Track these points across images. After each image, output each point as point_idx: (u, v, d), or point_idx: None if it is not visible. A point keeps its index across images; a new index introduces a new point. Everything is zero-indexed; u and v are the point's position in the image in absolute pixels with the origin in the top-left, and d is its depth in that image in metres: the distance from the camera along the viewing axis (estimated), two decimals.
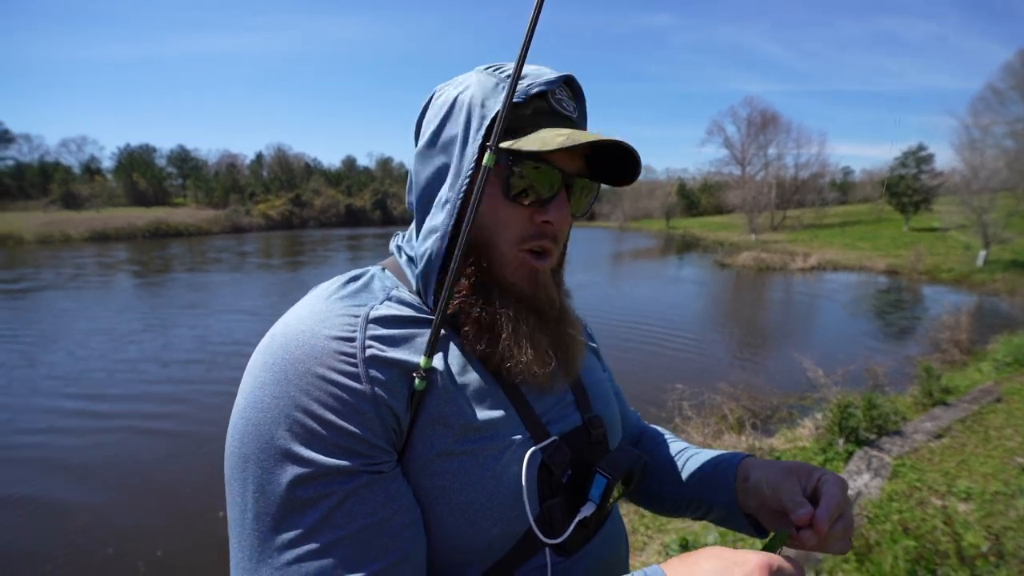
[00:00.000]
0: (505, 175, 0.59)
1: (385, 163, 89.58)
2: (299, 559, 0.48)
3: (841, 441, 4.76)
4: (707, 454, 0.83)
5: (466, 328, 0.60)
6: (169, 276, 21.80)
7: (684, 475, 0.82)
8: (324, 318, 0.54)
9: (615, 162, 0.64)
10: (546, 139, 0.56)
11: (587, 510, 0.61)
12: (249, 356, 0.56)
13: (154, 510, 4.82)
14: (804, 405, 6.47)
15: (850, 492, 3.98)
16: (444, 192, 0.60)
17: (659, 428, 0.96)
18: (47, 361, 9.37)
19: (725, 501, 0.75)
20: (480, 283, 0.60)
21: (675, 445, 0.89)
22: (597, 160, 0.65)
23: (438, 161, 0.61)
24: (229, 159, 79.17)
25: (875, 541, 3.18)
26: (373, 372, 0.52)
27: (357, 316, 0.55)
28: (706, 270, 23.99)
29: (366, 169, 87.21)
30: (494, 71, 0.61)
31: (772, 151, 47.28)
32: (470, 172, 0.58)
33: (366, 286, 0.61)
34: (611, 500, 0.62)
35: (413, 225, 0.67)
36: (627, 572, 0.58)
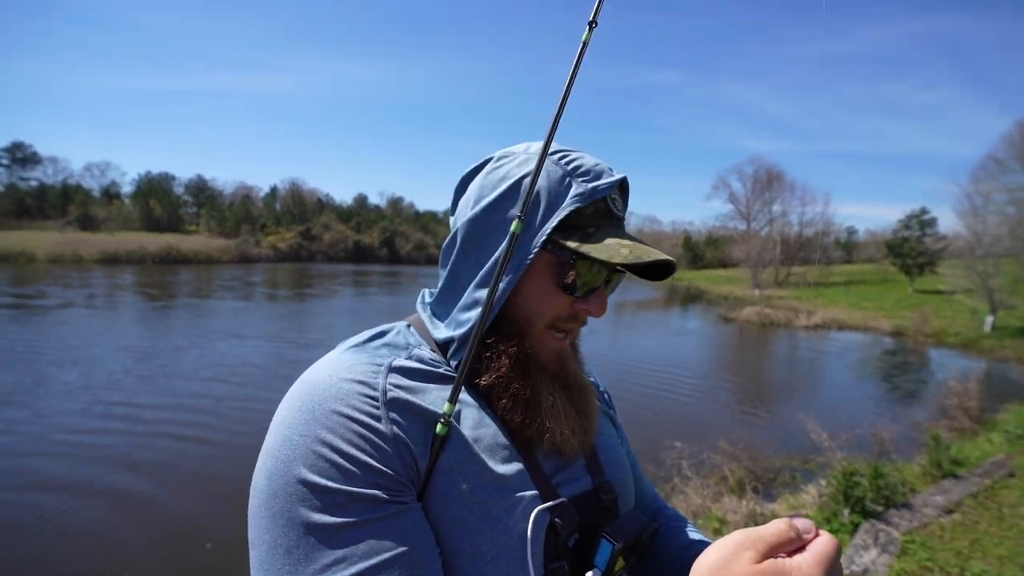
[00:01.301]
0: (562, 269, 0.63)
1: (395, 202, 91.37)
2: None
3: (846, 512, 4.54)
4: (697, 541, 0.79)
5: (503, 401, 0.62)
6: (182, 301, 21.88)
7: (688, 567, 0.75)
8: (349, 366, 0.58)
9: (653, 265, 0.68)
10: (612, 249, 0.61)
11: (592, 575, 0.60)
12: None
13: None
14: (807, 469, 6.25)
15: (856, 568, 3.76)
16: (490, 269, 0.63)
17: (679, 512, 0.89)
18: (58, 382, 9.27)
19: None
20: (517, 361, 0.63)
21: (692, 535, 0.82)
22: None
23: (492, 236, 0.64)
24: (244, 190, 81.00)
25: None
26: (394, 415, 0.55)
27: (380, 365, 0.59)
28: (709, 323, 23.85)
29: (376, 207, 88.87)
30: (560, 160, 0.64)
31: (777, 208, 47.98)
32: (529, 260, 0.61)
33: (390, 342, 0.64)
34: (617, 568, 0.60)
35: (442, 283, 0.69)
36: None
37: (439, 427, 0.56)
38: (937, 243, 32.23)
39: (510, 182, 0.64)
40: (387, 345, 0.63)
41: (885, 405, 10.56)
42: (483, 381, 0.63)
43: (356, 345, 0.62)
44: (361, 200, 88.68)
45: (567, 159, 0.64)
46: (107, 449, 6.70)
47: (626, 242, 0.62)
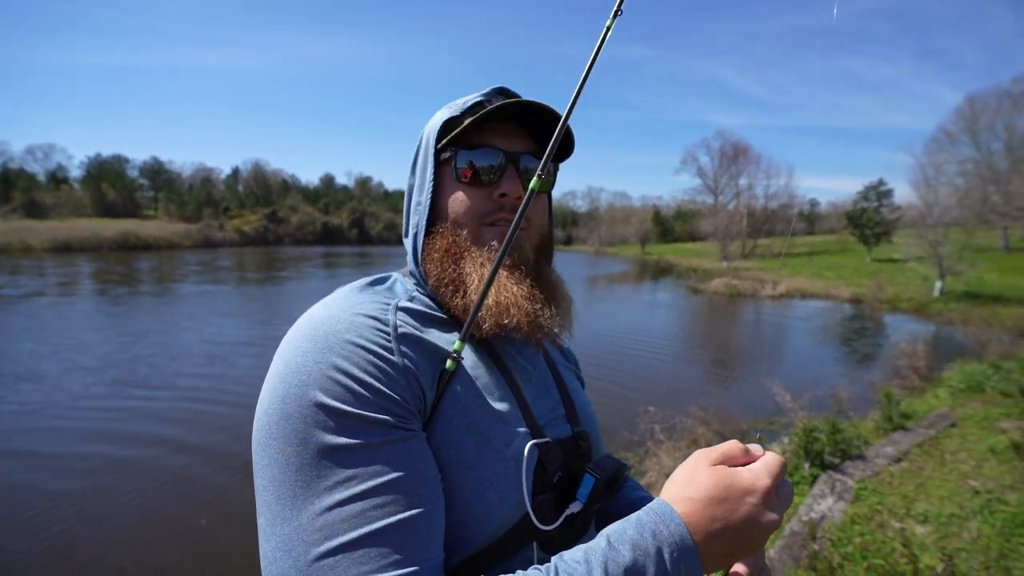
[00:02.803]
0: (452, 164, 0.71)
1: (364, 182, 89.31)
2: (341, 503, 0.51)
3: (807, 465, 4.88)
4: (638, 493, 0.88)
5: (442, 289, 0.69)
6: (150, 288, 21.12)
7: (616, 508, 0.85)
8: (360, 301, 0.63)
9: (557, 133, 0.68)
10: (465, 119, 0.71)
11: (575, 507, 0.65)
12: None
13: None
14: (772, 429, 6.61)
15: (815, 515, 4.07)
16: (415, 198, 0.74)
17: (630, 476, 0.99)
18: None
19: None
20: (448, 252, 0.70)
21: (638, 491, 0.91)
22: (543, 140, 0.74)
23: (414, 181, 0.75)
24: (204, 173, 77.86)
25: (838, 563, 3.26)
26: (404, 348, 0.60)
27: (388, 303, 0.64)
28: (679, 295, 24.47)
29: (344, 187, 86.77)
30: (459, 101, 0.74)
31: (743, 181, 49.08)
32: (432, 177, 0.72)
33: (390, 288, 0.70)
34: (596, 501, 0.67)
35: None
36: None
37: (449, 363, 0.61)
38: (892, 213, 33.59)
39: (418, 140, 0.76)
40: (389, 289, 0.70)
41: (844, 367, 11.17)
42: (432, 282, 0.70)
43: (361, 288, 0.68)
44: (328, 180, 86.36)
45: (464, 100, 0.74)
46: (88, 433, 6.57)
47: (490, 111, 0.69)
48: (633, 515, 0.55)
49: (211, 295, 20.08)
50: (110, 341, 11.77)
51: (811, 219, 66.01)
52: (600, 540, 0.53)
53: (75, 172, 69.33)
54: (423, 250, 0.71)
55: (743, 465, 0.57)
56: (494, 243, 0.70)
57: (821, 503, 4.26)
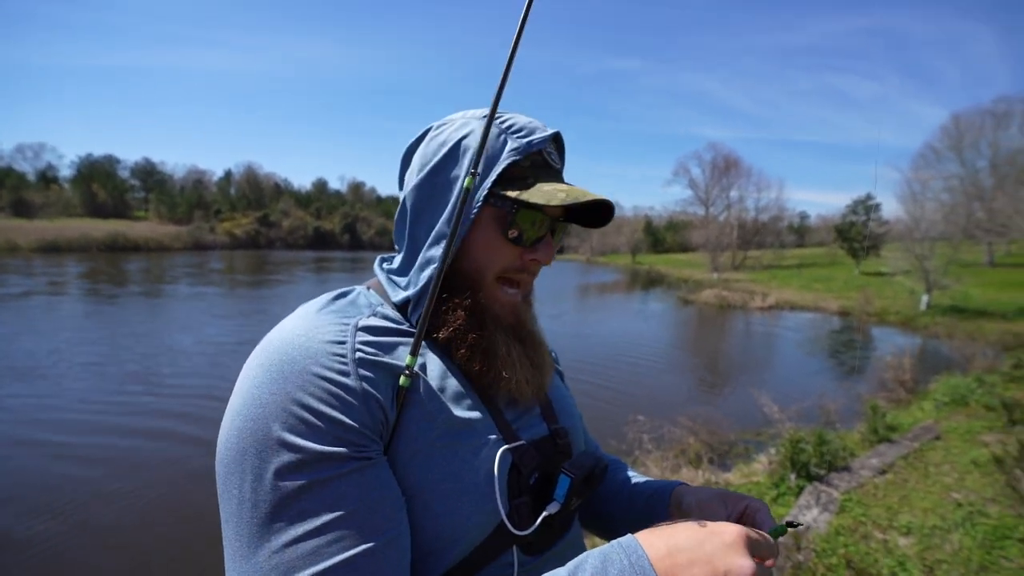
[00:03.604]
0: (505, 219, 0.67)
1: (356, 187, 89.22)
2: (295, 540, 0.51)
3: (793, 476, 4.91)
4: (649, 481, 0.89)
5: (462, 351, 0.66)
6: (140, 289, 20.88)
7: (631, 499, 0.88)
8: (317, 325, 0.60)
9: (593, 209, 0.73)
10: (549, 194, 0.65)
11: (552, 508, 0.65)
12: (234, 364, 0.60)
13: None
14: (760, 440, 6.65)
15: (800, 527, 4.10)
16: (441, 227, 0.66)
17: (615, 457, 1.01)
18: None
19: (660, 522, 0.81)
20: (472, 313, 0.67)
21: (628, 472, 0.95)
22: (576, 206, 0.73)
23: (438, 197, 0.67)
24: (196, 175, 77.37)
25: (822, 574, 3.28)
26: (363, 371, 0.57)
27: (347, 324, 0.61)
28: (670, 306, 24.58)
29: (337, 192, 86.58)
30: (497, 120, 0.68)
31: (734, 194, 49.47)
32: (473, 214, 0.65)
33: (353, 302, 0.67)
34: (574, 500, 0.67)
35: (399, 251, 0.74)
36: None
37: (402, 379, 0.59)
38: (880, 227, 34.07)
39: (450, 145, 0.67)
40: (352, 304, 0.66)
41: (832, 380, 11.25)
42: (442, 334, 0.66)
43: (321, 307, 0.64)
44: (321, 185, 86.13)
45: (502, 119, 0.68)
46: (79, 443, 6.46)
47: (563, 187, 0.66)
48: (598, 548, 0.56)
49: (205, 297, 19.95)
50: (107, 341, 11.80)
51: (801, 232, 66.76)
52: (561, 572, 0.54)
53: (65, 172, 68.71)
54: (434, 293, 0.65)
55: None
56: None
57: (807, 513, 4.28)
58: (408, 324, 0.67)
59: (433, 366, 0.65)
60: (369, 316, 0.65)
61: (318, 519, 0.51)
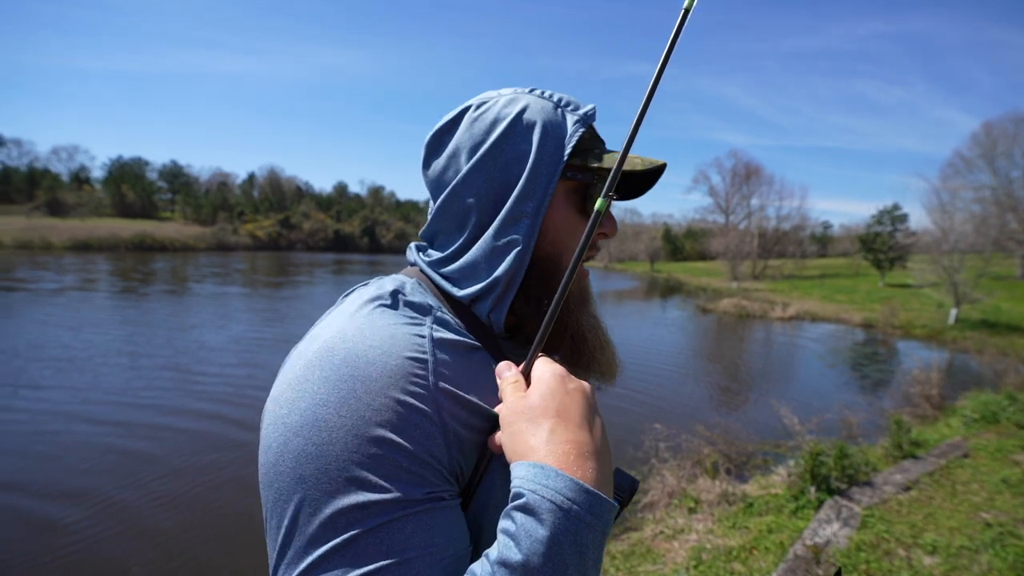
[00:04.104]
0: (583, 192, 0.63)
1: (376, 191, 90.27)
2: None
3: (813, 489, 4.80)
4: None
5: (554, 343, 0.62)
6: (171, 288, 21.47)
7: None
8: (391, 336, 0.52)
9: (640, 180, 0.69)
10: (631, 162, 0.62)
11: None
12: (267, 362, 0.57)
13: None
14: (779, 453, 6.52)
15: (819, 539, 4.01)
16: (513, 208, 0.60)
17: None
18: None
19: None
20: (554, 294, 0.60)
21: None
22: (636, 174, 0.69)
23: (500, 178, 0.61)
24: (221, 177, 79.18)
25: None
26: (446, 403, 0.51)
27: (422, 336, 0.54)
28: (688, 314, 24.31)
29: (357, 196, 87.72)
30: (543, 95, 0.64)
31: (755, 202, 48.91)
32: (551, 191, 0.61)
33: (413, 302, 0.58)
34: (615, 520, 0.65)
35: (452, 240, 0.64)
36: None
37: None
38: (907, 238, 33.26)
39: (507, 121, 0.61)
40: (410, 305, 0.58)
41: (854, 393, 10.99)
42: (528, 327, 0.62)
43: (379, 304, 0.56)
44: (341, 189, 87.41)
45: (548, 93, 0.64)
46: (109, 437, 6.65)
47: (633, 156, 0.63)
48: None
49: (232, 296, 20.48)
50: (140, 336, 12.37)
51: (823, 241, 65.51)
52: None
53: (97, 173, 71.11)
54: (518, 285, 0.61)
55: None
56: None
57: (826, 528, 4.19)
58: (465, 329, 0.60)
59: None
60: (433, 324, 0.57)
61: (374, 564, 0.45)
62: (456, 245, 0.64)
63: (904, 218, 35.51)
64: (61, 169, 68.11)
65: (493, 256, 0.61)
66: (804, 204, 47.31)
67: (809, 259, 46.95)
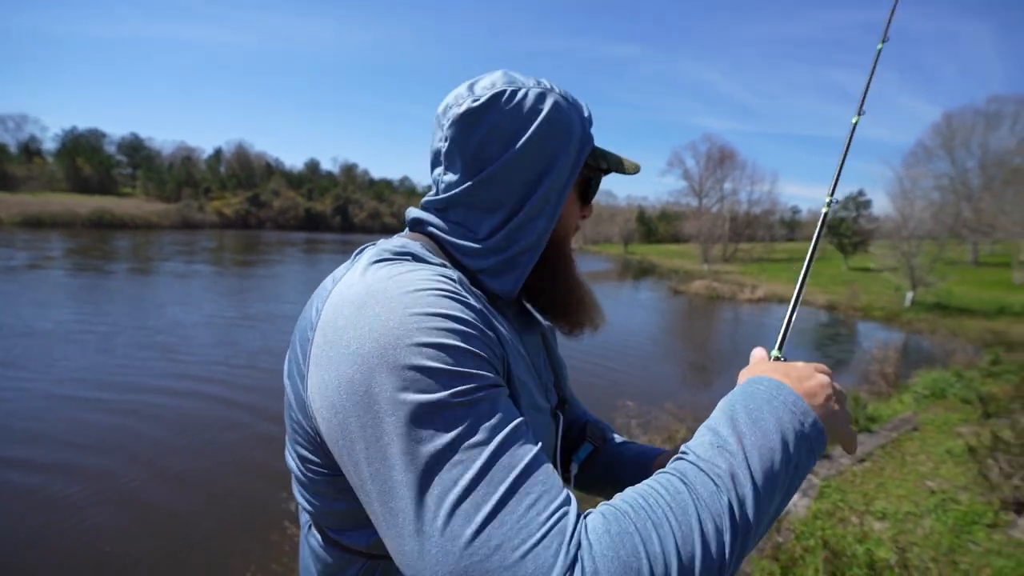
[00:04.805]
0: (588, 186, 0.76)
1: (349, 169, 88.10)
2: (466, 469, 0.45)
3: None
4: (630, 443, 0.95)
5: (564, 305, 0.76)
6: (132, 267, 20.62)
7: (621, 459, 0.92)
8: (423, 277, 0.55)
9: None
10: (627, 164, 0.76)
11: (574, 468, 0.78)
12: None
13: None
14: None
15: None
16: (543, 196, 0.68)
17: (603, 421, 1.07)
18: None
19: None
20: (565, 272, 0.75)
21: (619, 438, 1.00)
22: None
23: (533, 167, 0.67)
24: (185, 152, 75.92)
25: (799, 555, 3.41)
26: (480, 322, 0.55)
27: (452, 279, 0.57)
28: (661, 295, 24.79)
29: (329, 174, 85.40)
30: (562, 94, 0.70)
31: (728, 186, 49.75)
32: (572, 182, 0.71)
33: (427, 260, 0.63)
34: (587, 463, 0.79)
35: (468, 212, 0.69)
36: None
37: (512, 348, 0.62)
38: (870, 224, 34.44)
39: (542, 116, 0.66)
40: (426, 260, 0.62)
41: None
42: (540, 302, 0.76)
43: (403, 257, 0.61)
44: (313, 166, 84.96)
45: (564, 93, 0.71)
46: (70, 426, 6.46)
47: (624, 157, 0.77)
48: (728, 396, 0.59)
49: (201, 275, 19.88)
50: (109, 314, 12.11)
51: (791, 226, 67.28)
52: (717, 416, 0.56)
53: (49, 144, 67.13)
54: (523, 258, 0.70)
55: None
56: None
57: None
58: (479, 290, 0.65)
59: (513, 335, 0.66)
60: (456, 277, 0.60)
61: (497, 432, 0.47)
62: (485, 223, 0.68)
63: (868, 204, 36.74)
64: (8, 140, 64.13)
65: (519, 236, 0.68)
66: (774, 189, 48.37)
67: (778, 243, 48.28)
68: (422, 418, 0.46)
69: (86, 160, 62.28)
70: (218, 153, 75.31)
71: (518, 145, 0.66)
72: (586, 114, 0.73)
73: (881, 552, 3.34)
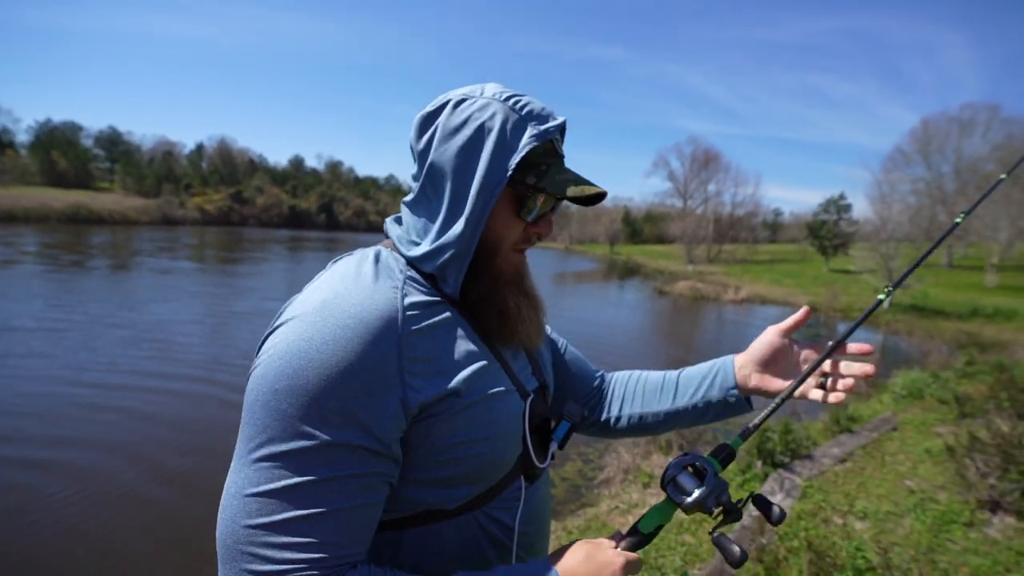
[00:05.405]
0: (521, 201, 0.73)
1: (334, 167, 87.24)
2: (285, 489, 0.59)
3: (759, 463, 5.09)
4: (696, 367, 1.01)
5: (485, 311, 0.76)
6: (111, 263, 20.09)
7: (680, 387, 0.98)
8: (371, 294, 0.65)
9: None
10: (562, 186, 0.72)
11: (554, 447, 0.81)
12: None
13: None
14: (728, 429, 6.86)
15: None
16: (474, 200, 0.70)
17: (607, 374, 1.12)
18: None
19: (728, 387, 0.95)
20: (492, 278, 0.76)
21: (655, 373, 1.05)
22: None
23: (460, 171, 0.70)
24: (166, 146, 74.51)
25: (783, 556, 3.43)
26: (406, 350, 0.64)
27: (395, 299, 0.66)
28: (645, 296, 24.96)
29: (314, 171, 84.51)
30: (516, 105, 0.71)
31: (712, 188, 50.34)
32: (497, 195, 0.70)
33: (389, 267, 0.72)
34: (566, 441, 0.82)
35: (423, 210, 0.75)
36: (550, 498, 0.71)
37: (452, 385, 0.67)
38: (850, 227, 35.12)
39: (474, 126, 0.69)
40: (388, 272, 0.71)
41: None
42: (469, 299, 0.75)
43: (362, 271, 0.69)
44: (297, 163, 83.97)
45: (520, 104, 0.71)
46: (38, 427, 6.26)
47: (571, 177, 0.74)
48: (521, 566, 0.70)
49: (183, 272, 19.40)
50: (98, 310, 11.85)
51: (774, 228, 68.33)
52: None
53: (22, 137, 65.23)
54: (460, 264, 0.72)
55: None
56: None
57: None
58: (432, 289, 0.73)
59: (464, 325, 0.73)
60: (404, 284, 0.70)
61: (310, 475, 0.59)
62: (424, 213, 0.75)
63: (848, 207, 37.43)
64: None
65: (437, 237, 0.72)
66: (758, 191, 49.07)
67: (760, 244, 49.00)
68: (283, 431, 0.60)
69: (62, 154, 60.72)
70: (200, 148, 74.05)
71: (446, 146, 0.70)
72: (541, 128, 0.71)
73: (864, 553, 3.38)
